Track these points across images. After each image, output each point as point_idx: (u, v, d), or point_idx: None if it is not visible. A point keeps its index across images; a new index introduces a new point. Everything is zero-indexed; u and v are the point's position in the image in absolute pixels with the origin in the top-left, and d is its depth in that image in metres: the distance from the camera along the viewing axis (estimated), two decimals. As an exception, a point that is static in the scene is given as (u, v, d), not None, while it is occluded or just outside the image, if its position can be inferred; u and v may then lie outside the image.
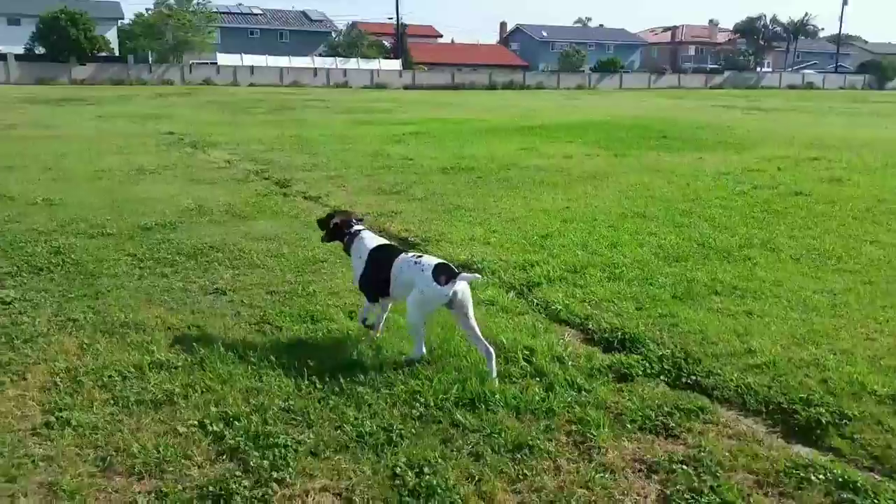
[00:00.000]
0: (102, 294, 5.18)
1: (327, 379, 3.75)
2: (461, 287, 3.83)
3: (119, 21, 58.51)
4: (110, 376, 3.80)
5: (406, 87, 56.96)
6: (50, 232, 6.96)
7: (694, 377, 3.93)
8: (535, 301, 5.17)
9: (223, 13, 61.28)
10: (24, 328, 4.47)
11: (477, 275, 4.48)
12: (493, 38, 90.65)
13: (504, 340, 4.26)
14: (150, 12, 54.55)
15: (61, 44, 47.93)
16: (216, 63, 54.68)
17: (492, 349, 3.90)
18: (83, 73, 49.02)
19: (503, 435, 3.27)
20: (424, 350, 4.04)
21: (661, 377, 3.95)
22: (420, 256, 4.09)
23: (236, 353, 4.07)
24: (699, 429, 3.39)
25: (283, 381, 3.74)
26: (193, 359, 4.02)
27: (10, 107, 25.47)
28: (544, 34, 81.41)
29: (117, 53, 54.74)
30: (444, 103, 33.09)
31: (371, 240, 4.33)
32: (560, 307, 4.97)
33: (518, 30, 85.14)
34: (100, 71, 49.83)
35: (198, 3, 53.98)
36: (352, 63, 60.41)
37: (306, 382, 3.72)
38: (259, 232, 7.19)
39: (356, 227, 4.40)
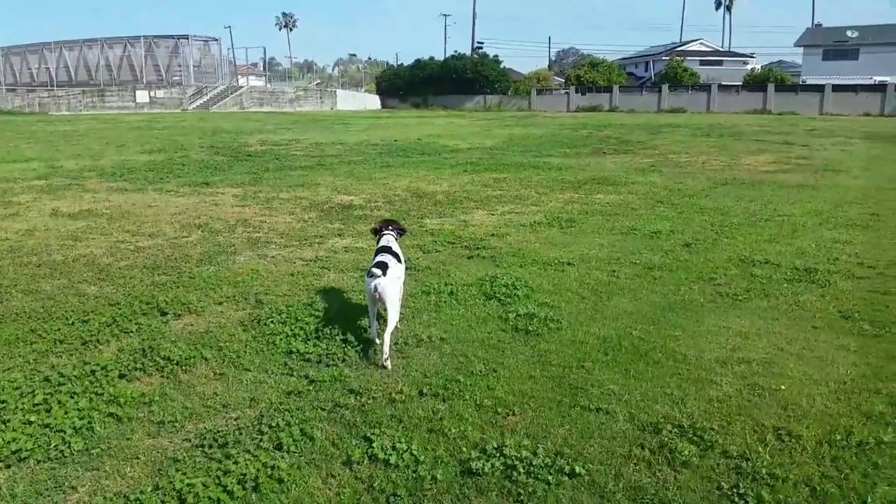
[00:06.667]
0: None
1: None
2: (376, 282, 4.22)
3: None
4: None
5: None
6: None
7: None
8: None
9: None
10: None
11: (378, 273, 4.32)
12: None
13: None
14: None
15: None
16: None
17: (389, 362, 4.19)
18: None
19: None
20: (375, 338, 4.45)
21: None
22: (382, 255, 4.47)
23: None
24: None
25: None
26: None
27: (793, 145, 22.31)
28: None
29: None
30: None
31: (383, 241, 4.78)
32: None
33: None
34: None
35: None
36: None
37: None
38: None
39: (384, 233, 4.91)
